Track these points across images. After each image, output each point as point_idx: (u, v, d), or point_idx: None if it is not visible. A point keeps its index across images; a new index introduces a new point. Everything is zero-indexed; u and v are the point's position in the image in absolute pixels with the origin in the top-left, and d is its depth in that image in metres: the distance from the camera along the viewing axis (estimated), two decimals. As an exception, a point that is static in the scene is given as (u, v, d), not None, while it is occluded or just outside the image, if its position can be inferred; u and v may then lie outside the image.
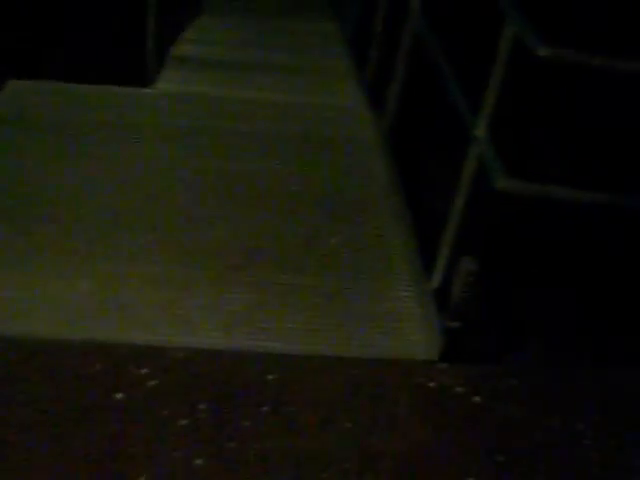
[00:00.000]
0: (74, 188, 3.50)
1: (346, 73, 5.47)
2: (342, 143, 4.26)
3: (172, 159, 3.85)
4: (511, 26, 2.48)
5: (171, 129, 4.18)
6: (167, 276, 3.01)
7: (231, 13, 7.06)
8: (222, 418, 2.40)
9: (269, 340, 2.78)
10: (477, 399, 2.65)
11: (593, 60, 2.26)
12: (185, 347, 2.69)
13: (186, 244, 3.21)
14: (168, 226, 3.32)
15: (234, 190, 3.64)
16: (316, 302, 2.99)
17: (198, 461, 2.25)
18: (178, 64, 5.22)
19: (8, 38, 4.66)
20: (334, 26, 6.75)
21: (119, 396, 2.45)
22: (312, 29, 6.72)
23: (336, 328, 2.88)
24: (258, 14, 7.12)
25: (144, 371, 2.56)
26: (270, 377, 2.61)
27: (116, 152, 3.83)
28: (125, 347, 2.65)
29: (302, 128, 4.39)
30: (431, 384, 2.68)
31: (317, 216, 3.53)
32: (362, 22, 5.82)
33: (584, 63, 2.26)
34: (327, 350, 2.78)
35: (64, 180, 3.55)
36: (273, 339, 2.79)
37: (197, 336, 2.75)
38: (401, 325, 2.95)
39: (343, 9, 6.71)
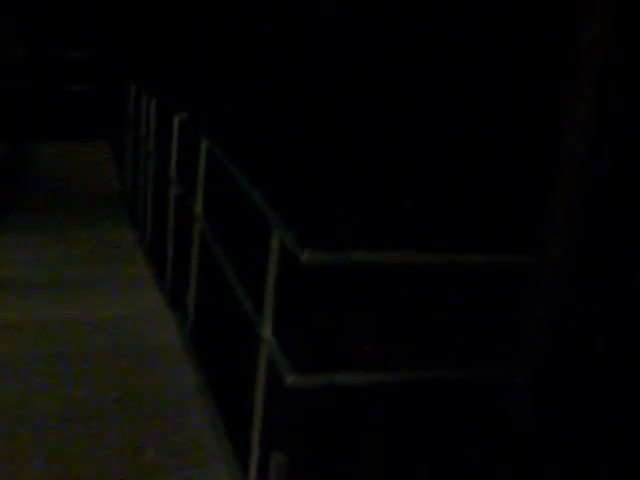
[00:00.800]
0: None
1: (147, 280, 5.59)
2: (149, 351, 4.32)
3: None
4: (276, 233, 2.71)
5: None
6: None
7: (27, 230, 7.06)
8: None
9: None
10: None
11: (350, 257, 2.49)
12: None
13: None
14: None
15: (46, 422, 3.59)
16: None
17: None
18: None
19: None
20: (133, 235, 6.90)
21: None
22: (111, 239, 6.84)
23: None
24: (55, 229, 7.16)
25: None
26: None
27: None
28: None
29: (107, 342, 4.42)
30: None
31: (131, 428, 3.53)
32: (157, 230, 6.02)
33: (344, 262, 2.49)
34: None
35: None
36: None
37: None
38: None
39: (140, 218, 6.90)
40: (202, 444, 3.46)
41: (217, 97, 5.00)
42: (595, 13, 2.38)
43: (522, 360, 2.58)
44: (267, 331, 2.79)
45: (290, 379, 2.58)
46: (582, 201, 2.48)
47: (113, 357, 4.24)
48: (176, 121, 5.02)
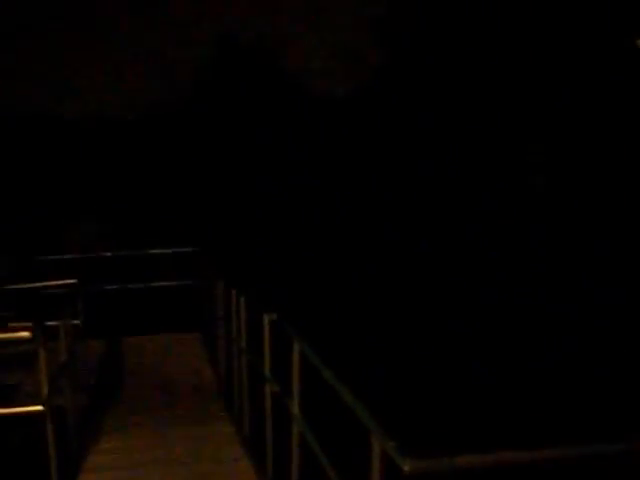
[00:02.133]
0: None
1: (247, 477, 5.55)
2: None
3: None
4: (376, 439, 2.73)
5: None
6: None
7: (125, 430, 7.13)
8: None
9: None
10: None
11: (455, 463, 2.49)
12: None
13: None
14: None
15: None
16: None
17: None
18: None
19: None
20: (230, 428, 6.93)
21: None
22: (208, 433, 6.85)
23: None
24: (153, 426, 7.20)
25: None
26: None
27: None
28: None
29: None
30: None
31: None
32: (255, 423, 6.06)
33: (450, 468, 2.49)
34: None
35: None
36: None
37: None
38: None
39: (237, 411, 6.95)
40: None
41: (305, 300, 5.15)
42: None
43: None
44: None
45: None
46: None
47: None
48: (266, 320, 5.16)
